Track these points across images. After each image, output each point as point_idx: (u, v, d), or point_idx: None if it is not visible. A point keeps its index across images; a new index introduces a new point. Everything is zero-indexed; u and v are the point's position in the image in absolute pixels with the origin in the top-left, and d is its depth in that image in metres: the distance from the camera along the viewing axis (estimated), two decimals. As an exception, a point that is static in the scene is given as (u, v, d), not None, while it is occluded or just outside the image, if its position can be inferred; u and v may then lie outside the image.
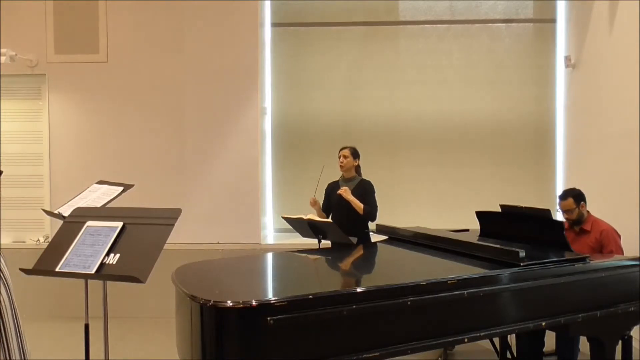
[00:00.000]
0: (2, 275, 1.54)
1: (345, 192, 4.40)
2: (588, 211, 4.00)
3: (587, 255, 3.23)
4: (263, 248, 5.65)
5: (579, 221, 3.95)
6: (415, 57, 6.16)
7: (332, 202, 4.59)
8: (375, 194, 4.51)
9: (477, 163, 6.12)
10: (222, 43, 5.81)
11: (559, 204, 4.02)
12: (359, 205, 4.38)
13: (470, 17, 6.12)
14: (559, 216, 5.43)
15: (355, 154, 4.56)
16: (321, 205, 4.62)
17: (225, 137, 5.85)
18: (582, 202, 3.95)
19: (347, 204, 4.42)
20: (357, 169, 4.62)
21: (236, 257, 4.18)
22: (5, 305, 1.53)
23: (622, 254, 3.82)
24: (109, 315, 3.22)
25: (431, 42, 6.16)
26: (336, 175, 4.67)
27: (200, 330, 2.39)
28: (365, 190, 4.48)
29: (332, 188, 4.64)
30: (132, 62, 5.87)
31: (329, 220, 4.20)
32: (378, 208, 4.47)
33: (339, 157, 4.56)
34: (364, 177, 4.63)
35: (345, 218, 4.39)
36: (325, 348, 2.40)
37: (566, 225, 4.00)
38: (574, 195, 3.95)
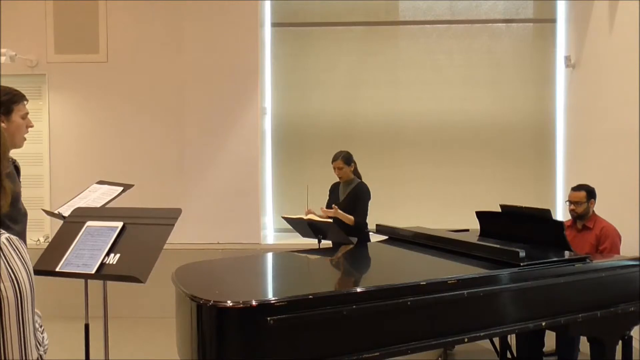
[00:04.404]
0: (11, 273, 1.52)
1: (333, 212, 4.32)
2: (594, 211, 4.02)
3: (587, 255, 3.24)
4: (263, 248, 5.64)
5: (582, 216, 3.98)
6: (415, 57, 6.15)
7: (334, 202, 4.60)
8: (369, 200, 4.48)
9: (477, 163, 6.11)
10: (222, 43, 5.80)
11: (570, 195, 4.06)
12: (348, 218, 4.34)
13: (470, 17, 6.11)
14: (559, 215, 5.44)
15: (348, 161, 4.52)
16: (326, 205, 4.62)
17: (225, 137, 5.85)
18: (592, 200, 4.02)
19: (348, 204, 4.43)
20: (355, 171, 4.61)
21: (236, 257, 4.18)
22: (9, 304, 1.51)
23: (618, 254, 3.83)
24: (109, 315, 3.22)
25: (431, 42, 6.16)
26: (335, 177, 4.69)
27: (200, 330, 2.39)
28: (356, 196, 4.46)
29: (334, 189, 4.69)
30: (132, 62, 5.87)
31: (329, 220, 4.21)
32: (367, 214, 4.46)
33: (334, 170, 4.54)
34: (364, 177, 4.62)
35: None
36: (325, 348, 2.40)
37: (568, 223, 4.02)
38: (588, 191, 4.02)
